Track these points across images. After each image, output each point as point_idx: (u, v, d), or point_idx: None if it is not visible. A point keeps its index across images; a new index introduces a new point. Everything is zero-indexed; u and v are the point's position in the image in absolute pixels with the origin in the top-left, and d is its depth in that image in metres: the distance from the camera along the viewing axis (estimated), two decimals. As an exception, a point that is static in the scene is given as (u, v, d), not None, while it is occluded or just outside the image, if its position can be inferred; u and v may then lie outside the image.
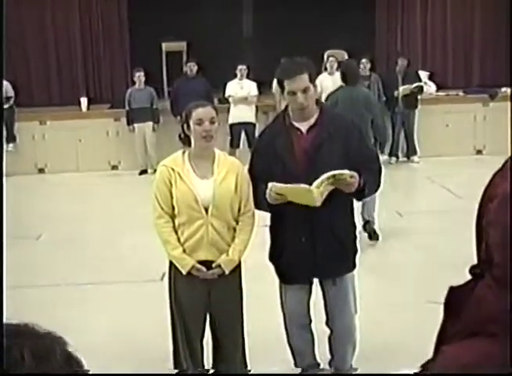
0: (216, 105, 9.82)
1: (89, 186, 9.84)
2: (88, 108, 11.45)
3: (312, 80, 3.40)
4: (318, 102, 3.51)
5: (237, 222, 3.48)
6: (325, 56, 10.65)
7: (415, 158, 10.60)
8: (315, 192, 3.17)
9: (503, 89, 11.32)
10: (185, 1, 12.70)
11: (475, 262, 0.85)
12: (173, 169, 3.41)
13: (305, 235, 3.47)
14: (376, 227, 6.68)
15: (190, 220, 3.39)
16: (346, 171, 3.21)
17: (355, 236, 3.66)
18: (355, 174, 3.24)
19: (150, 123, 10.49)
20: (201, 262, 3.44)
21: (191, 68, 10.51)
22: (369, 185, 3.41)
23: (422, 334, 4.24)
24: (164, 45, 12.46)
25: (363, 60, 10.17)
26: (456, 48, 12.61)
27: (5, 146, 10.00)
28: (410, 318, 4.73)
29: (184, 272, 3.43)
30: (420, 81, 10.69)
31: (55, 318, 5.05)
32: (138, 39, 12.36)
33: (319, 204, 3.25)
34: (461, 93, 11.68)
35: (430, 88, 11.56)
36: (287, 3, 12.58)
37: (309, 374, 3.92)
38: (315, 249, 3.48)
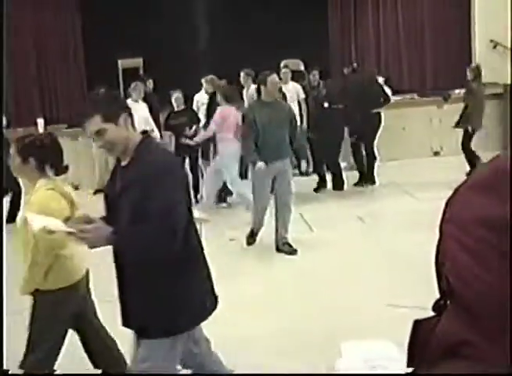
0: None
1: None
2: (46, 128, 11.33)
3: (112, 117, 2.96)
4: (145, 135, 3.14)
5: None
6: (281, 66, 10.72)
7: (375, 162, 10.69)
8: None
9: (457, 91, 11.54)
10: (139, 18, 12.68)
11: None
12: None
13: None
14: (289, 241, 6.83)
15: None
16: (63, 229, 2.87)
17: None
18: (89, 227, 2.84)
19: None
20: None
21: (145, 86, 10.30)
22: (130, 243, 2.91)
23: (381, 337, 4.31)
24: (120, 62, 12.41)
25: (313, 72, 10.47)
26: (409, 52, 12.84)
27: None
28: (370, 321, 4.76)
29: None
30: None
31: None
32: (93, 57, 12.31)
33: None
34: (416, 97, 11.89)
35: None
36: (241, 15, 12.67)
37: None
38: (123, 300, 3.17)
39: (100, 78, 11.12)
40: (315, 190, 9.51)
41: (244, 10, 12.88)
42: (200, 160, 9.32)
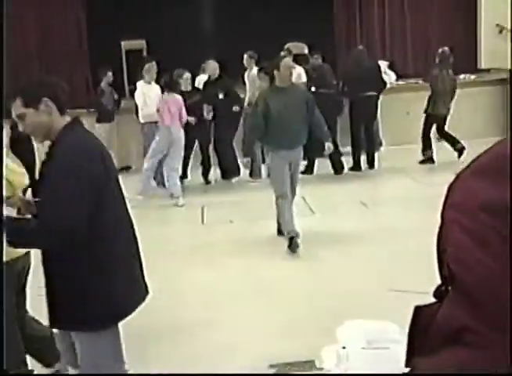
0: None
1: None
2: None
3: (32, 102, 2.91)
4: (71, 121, 3.03)
5: None
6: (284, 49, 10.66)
7: (380, 148, 10.67)
8: None
9: (462, 76, 11.48)
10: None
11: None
12: None
13: None
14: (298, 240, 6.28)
15: None
16: None
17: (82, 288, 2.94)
18: None
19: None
20: None
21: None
22: (17, 234, 2.83)
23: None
24: (123, 43, 12.36)
25: (315, 56, 10.39)
26: (414, 36, 12.76)
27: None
28: (372, 305, 4.74)
29: None
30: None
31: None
32: (96, 38, 12.24)
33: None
34: (421, 81, 11.81)
35: (390, 77, 11.67)
36: (248, 0, 12.60)
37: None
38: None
39: (103, 60, 11.09)
40: (303, 173, 9.43)
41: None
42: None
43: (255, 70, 9.65)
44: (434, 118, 9.61)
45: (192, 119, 9.05)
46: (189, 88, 9.29)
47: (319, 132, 6.60)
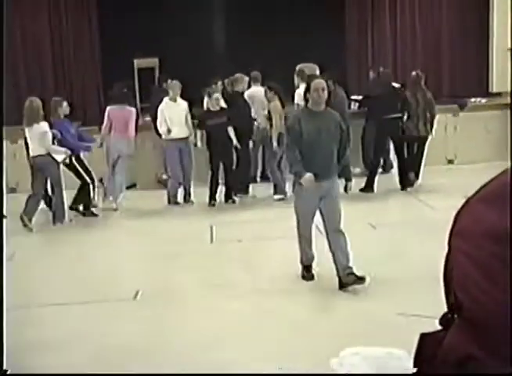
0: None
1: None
2: (60, 126, 11.35)
3: None
4: None
5: None
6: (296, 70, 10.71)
7: (392, 171, 10.64)
8: None
9: (473, 99, 11.48)
10: (154, 17, 12.72)
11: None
12: None
13: None
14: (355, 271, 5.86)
15: None
16: None
17: None
18: None
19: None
20: None
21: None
22: None
23: (391, 345, 4.26)
24: (135, 61, 12.45)
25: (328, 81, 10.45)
26: (426, 59, 12.79)
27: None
28: (382, 330, 4.71)
29: None
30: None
31: (26, 337, 4.97)
32: (109, 56, 12.34)
33: None
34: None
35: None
36: (260, 19, 12.68)
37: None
38: None
39: (116, 78, 11.15)
40: None
41: (260, 12, 12.88)
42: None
43: (254, 89, 9.82)
44: (413, 140, 9.62)
45: (198, 145, 9.23)
46: (217, 108, 9.29)
47: (341, 172, 6.17)
